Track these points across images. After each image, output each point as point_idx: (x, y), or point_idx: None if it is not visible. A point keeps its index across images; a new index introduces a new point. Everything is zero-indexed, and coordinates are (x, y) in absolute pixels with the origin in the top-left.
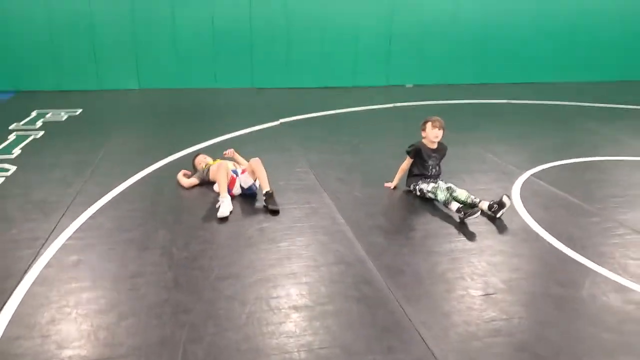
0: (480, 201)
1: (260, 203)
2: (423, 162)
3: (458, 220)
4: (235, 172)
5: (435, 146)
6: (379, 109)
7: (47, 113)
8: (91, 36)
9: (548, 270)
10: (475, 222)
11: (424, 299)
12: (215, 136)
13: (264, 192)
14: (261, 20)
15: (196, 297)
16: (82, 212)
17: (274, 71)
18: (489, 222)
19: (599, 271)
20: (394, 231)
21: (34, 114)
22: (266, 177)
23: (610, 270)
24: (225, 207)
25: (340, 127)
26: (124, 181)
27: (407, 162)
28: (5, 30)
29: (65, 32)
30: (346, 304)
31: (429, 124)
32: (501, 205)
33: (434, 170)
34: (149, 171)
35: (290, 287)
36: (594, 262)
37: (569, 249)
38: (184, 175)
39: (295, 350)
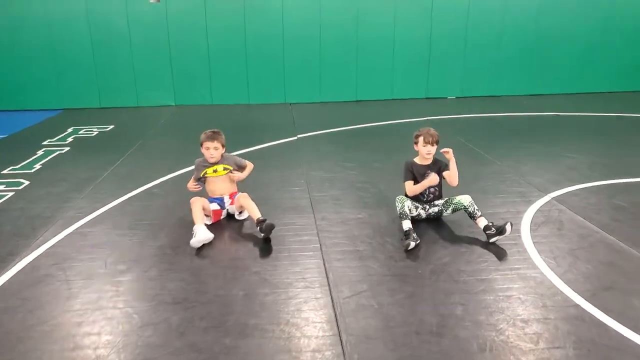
0: (480, 216)
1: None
2: (416, 183)
3: (486, 238)
4: (221, 204)
5: (428, 162)
6: (410, 122)
7: (81, 129)
8: (130, 57)
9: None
10: (464, 247)
11: (366, 342)
12: (233, 150)
13: (255, 219)
14: (293, 35)
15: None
16: (67, 228)
17: (306, 86)
18: (483, 245)
19: (611, 325)
20: (368, 257)
21: (69, 130)
22: (255, 208)
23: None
24: (200, 235)
25: (359, 142)
26: (118, 197)
27: (410, 184)
28: (52, 54)
29: (106, 53)
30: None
31: (420, 139)
32: (500, 231)
33: (430, 192)
34: (148, 186)
35: (234, 306)
36: (598, 309)
37: (563, 284)
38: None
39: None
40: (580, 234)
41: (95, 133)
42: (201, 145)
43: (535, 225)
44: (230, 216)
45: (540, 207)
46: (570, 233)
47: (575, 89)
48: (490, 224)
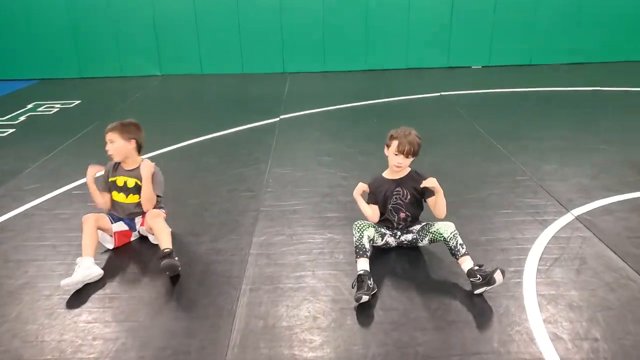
0: (465, 254)
1: None
2: (384, 203)
3: (471, 286)
4: (130, 224)
5: (398, 176)
6: (421, 99)
7: (43, 105)
8: (110, 20)
9: None
10: (435, 300)
11: None
12: (204, 134)
13: (162, 249)
14: None
15: None
16: None
17: (307, 54)
18: (465, 298)
19: None
20: (289, 316)
21: (29, 105)
22: (167, 235)
23: None
24: (77, 275)
25: (353, 125)
26: (28, 202)
27: (367, 209)
28: (27, 19)
29: (84, 17)
30: None
31: (394, 143)
32: (487, 281)
33: (400, 219)
34: (73, 185)
35: None
36: None
37: None
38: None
39: None
40: (608, 284)
41: (55, 110)
42: (107, 134)
43: (545, 263)
44: (144, 237)
45: (558, 231)
46: (595, 279)
47: (625, 56)
48: (476, 268)
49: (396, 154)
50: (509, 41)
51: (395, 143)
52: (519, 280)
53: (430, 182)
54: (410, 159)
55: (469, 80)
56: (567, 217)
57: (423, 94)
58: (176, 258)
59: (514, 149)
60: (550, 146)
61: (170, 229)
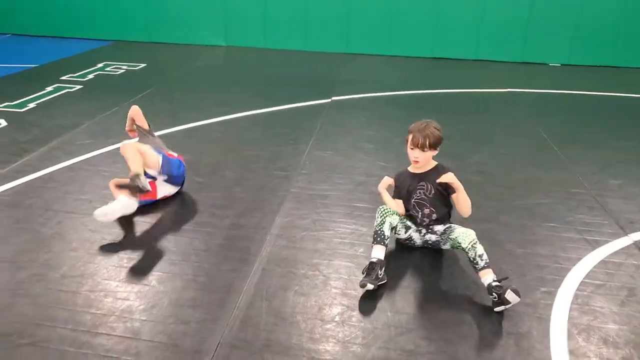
0: (484, 267)
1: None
2: (407, 198)
3: (491, 303)
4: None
5: (422, 170)
6: (485, 93)
7: (111, 65)
8: None
9: None
10: (450, 311)
11: None
12: (256, 108)
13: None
14: None
15: None
16: None
17: (373, 36)
18: (481, 313)
19: None
20: (297, 303)
21: (99, 65)
22: (133, 160)
23: None
24: (117, 203)
25: (404, 114)
26: (77, 156)
27: (391, 202)
28: None
29: None
30: None
31: (409, 138)
32: (502, 300)
33: (424, 215)
34: (117, 146)
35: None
36: None
37: None
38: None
39: None
40: None
41: (121, 71)
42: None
43: (585, 289)
44: (166, 202)
45: (609, 255)
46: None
47: None
48: (494, 284)
49: (411, 148)
50: (594, 39)
51: (410, 137)
52: (549, 302)
53: (447, 178)
54: (429, 152)
55: (542, 78)
56: (624, 241)
57: (490, 88)
58: (141, 178)
59: (575, 156)
60: (619, 158)
61: (138, 155)
